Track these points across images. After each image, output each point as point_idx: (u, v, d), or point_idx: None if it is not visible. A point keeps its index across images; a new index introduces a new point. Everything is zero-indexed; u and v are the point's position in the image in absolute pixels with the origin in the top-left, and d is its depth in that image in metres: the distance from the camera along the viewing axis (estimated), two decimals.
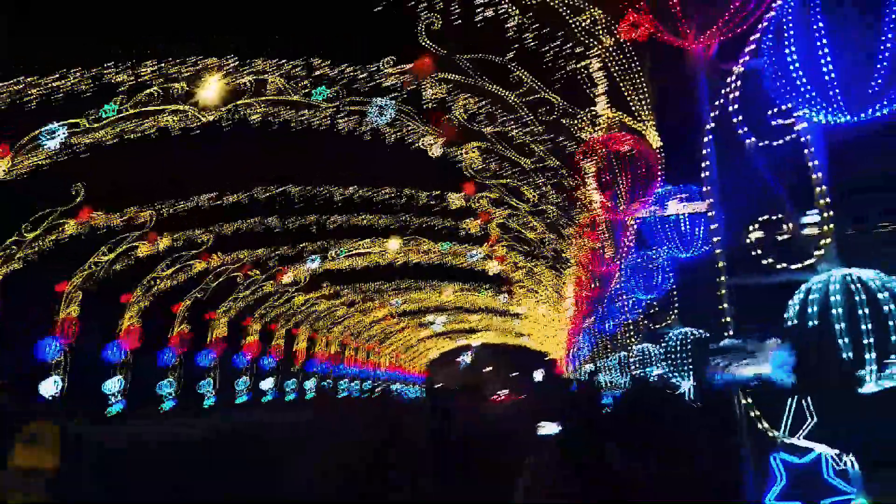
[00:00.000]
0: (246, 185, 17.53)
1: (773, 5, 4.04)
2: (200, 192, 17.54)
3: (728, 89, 4.60)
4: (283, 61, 11.56)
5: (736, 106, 4.55)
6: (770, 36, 4.02)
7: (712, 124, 4.72)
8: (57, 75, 11.72)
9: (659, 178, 7.17)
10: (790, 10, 3.82)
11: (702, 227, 6.26)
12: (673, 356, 8.26)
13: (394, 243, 23.20)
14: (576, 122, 9.32)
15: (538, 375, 45.49)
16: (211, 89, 12.41)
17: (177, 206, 18.02)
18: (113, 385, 20.81)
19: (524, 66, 8.95)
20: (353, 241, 23.90)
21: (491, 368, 68.98)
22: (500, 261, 23.72)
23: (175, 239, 19.99)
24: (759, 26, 4.26)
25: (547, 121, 9.99)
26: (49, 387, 19.00)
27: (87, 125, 13.30)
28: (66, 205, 16.82)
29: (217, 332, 26.83)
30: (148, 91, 12.53)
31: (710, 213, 5.51)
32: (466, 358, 72.31)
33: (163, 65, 11.58)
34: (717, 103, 4.71)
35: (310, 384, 36.41)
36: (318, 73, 11.60)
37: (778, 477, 3.74)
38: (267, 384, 31.20)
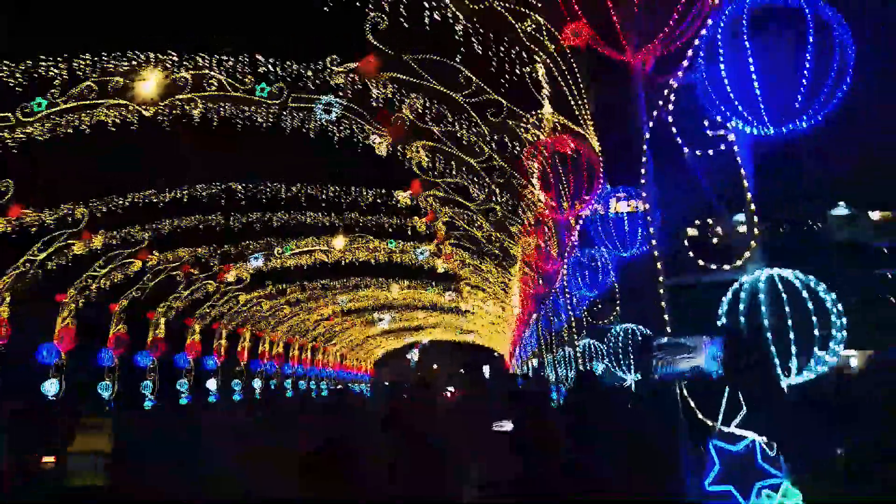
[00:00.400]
0: (186, 181, 17.11)
1: (706, 25, 4.29)
2: (138, 188, 17.03)
3: (664, 101, 4.84)
4: (225, 58, 11.35)
5: (671, 119, 4.79)
6: (702, 53, 4.28)
7: (647, 135, 4.96)
8: None
9: (601, 181, 7.40)
10: (721, 30, 4.08)
11: (641, 228, 6.51)
12: (616, 351, 8.54)
13: (339, 241, 23.07)
14: (522, 123, 9.50)
15: (486, 371, 46.03)
16: (149, 84, 12.11)
17: (112, 203, 17.45)
18: (50, 387, 20.03)
19: (471, 68, 9.07)
20: (299, 239, 23.64)
21: (438, 366, 69.29)
22: (447, 258, 23.86)
23: (111, 237, 19.37)
24: (694, 44, 4.50)
25: (494, 122, 10.14)
26: None
27: (18, 119, 12.75)
28: None
29: (157, 333, 26.11)
30: (83, 85, 12.13)
31: (647, 215, 5.74)
32: (414, 356, 72.40)
33: (98, 59, 11.20)
34: (654, 114, 4.95)
35: (257, 384, 35.84)
36: (261, 69, 11.44)
37: (715, 462, 3.98)
38: (211, 385, 30.55)
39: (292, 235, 22.86)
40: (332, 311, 39.51)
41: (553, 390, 11.92)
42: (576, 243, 9.58)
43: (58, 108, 12.52)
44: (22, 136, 13.03)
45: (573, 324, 11.07)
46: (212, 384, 31.00)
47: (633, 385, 8.06)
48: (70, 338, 20.76)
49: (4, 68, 11.20)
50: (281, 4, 9.17)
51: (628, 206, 7.91)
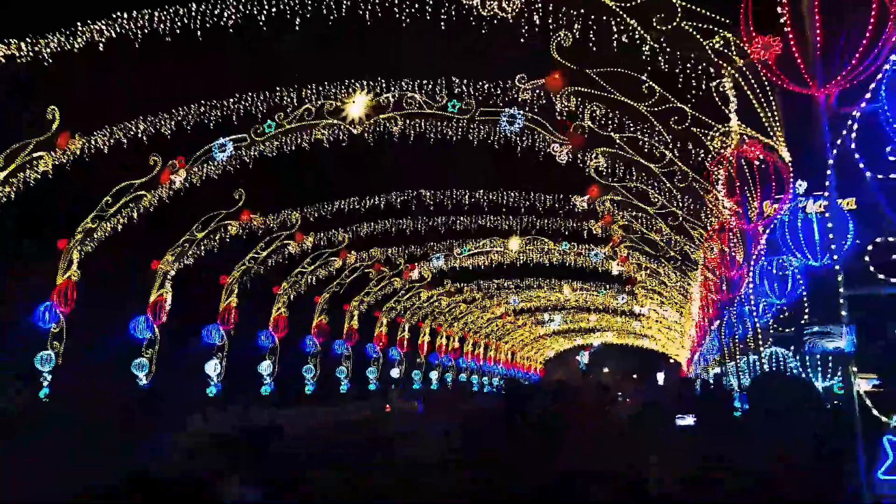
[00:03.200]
0: (384, 189, 18.98)
1: (889, 60, 4.45)
2: (344, 196, 19.23)
3: (847, 131, 5.04)
4: (425, 81, 12.68)
5: (854, 146, 4.99)
6: (884, 86, 4.45)
7: (831, 161, 5.17)
8: (234, 98, 13.55)
9: (790, 191, 7.47)
10: None
11: (830, 237, 6.55)
12: (804, 360, 8.45)
13: (515, 243, 23.95)
14: (707, 131, 9.67)
15: (661, 378, 44.57)
16: (358, 106, 13.81)
17: (322, 209, 19.83)
18: (264, 368, 23.14)
19: (658, 82, 9.43)
20: (477, 241, 24.92)
21: (609, 369, 68.05)
22: (623, 261, 23.82)
23: (318, 238, 21.94)
24: (876, 78, 4.67)
25: (677, 129, 10.38)
26: (212, 368, 21.53)
27: (252, 138, 15.14)
28: (230, 208, 19.04)
29: (351, 324, 28.86)
30: (304, 108, 14.15)
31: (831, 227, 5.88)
32: (584, 357, 71.71)
33: (321, 87, 13.06)
34: (838, 142, 5.16)
35: (434, 376, 38.02)
36: (456, 90, 12.61)
37: (890, 455, 4.18)
38: (394, 373, 33.01)
39: (472, 237, 24.20)
40: (504, 310, 40.72)
41: (736, 398, 11.82)
42: (763, 250, 9.53)
43: (283, 129, 14.72)
44: (255, 153, 15.46)
45: (758, 331, 10.91)
46: (395, 373, 33.50)
47: (821, 391, 7.97)
48: (283, 325, 23.80)
49: (248, 98, 13.44)
50: (475, 32, 10.15)
51: (819, 207, 7.83)
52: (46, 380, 16.70)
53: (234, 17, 11.03)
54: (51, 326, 16.85)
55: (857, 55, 5.18)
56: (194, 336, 21.64)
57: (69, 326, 17.33)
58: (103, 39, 11.61)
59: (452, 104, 13.48)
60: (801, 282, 8.77)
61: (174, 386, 19.92)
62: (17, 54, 11.77)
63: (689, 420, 7.22)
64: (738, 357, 13.24)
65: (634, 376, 55.31)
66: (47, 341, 16.91)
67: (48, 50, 11.73)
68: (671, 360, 55.18)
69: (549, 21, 9.55)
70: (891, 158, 4.78)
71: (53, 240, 17.23)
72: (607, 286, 32.18)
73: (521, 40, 9.09)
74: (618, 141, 12.88)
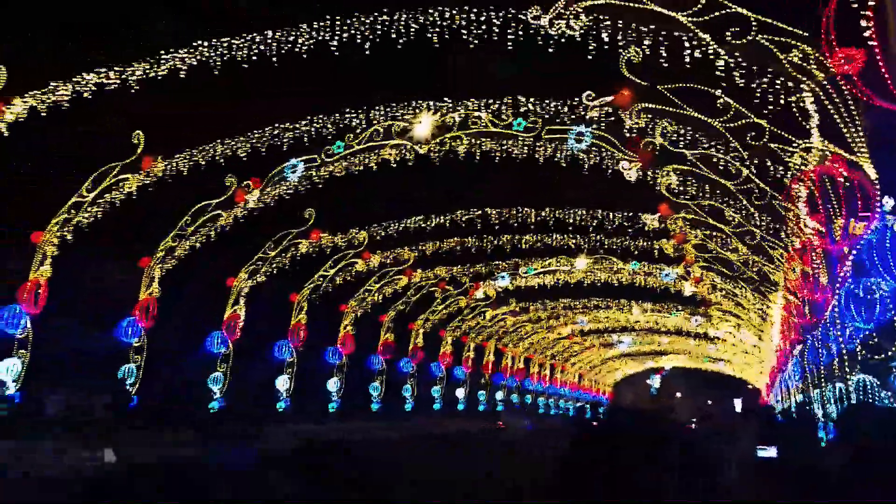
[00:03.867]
0: (449, 208, 19.06)
1: None
2: (409, 215, 19.43)
3: None
4: (491, 100, 12.71)
5: None
6: None
7: None
8: (305, 120, 13.97)
9: (877, 209, 7.03)
10: None
11: None
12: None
13: (581, 262, 23.54)
14: (786, 147, 9.26)
15: (738, 404, 42.65)
16: (424, 126, 13.96)
17: (388, 228, 20.10)
18: (332, 385, 23.49)
19: (733, 98, 9.12)
20: (543, 259, 24.64)
21: (681, 394, 65.65)
22: (696, 282, 23.03)
23: (385, 256, 22.23)
24: None
25: (754, 145, 9.98)
26: (282, 383, 22.02)
27: (322, 160, 15.54)
28: (300, 227, 19.55)
29: (416, 342, 28.99)
30: (372, 129, 14.43)
31: None
32: (655, 381, 69.51)
33: (389, 108, 13.30)
34: None
35: (499, 396, 37.64)
36: (522, 108, 12.58)
37: None
38: (459, 394, 32.88)
39: (539, 256, 23.94)
40: (571, 330, 39.99)
41: (821, 427, 11.15)
42: (849, 272, 8.99)
43: (352, 150, 15.04)
44: (325, 173, 15.85)
45: (845, 358, 10.27)
46: (460, 393, 33.34)
47: None
48: (350, 342, 24.14)
49: (320, 120, 13.82)
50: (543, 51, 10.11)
51: None
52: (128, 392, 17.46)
53: (307, 43, 11.39)
54: (132, 341, 17.64)
55: None
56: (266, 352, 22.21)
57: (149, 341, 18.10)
58: (185, 67, 12.21)
59: (518, 122, 13.45)
60: (890, 306, 8.21)
61: (245, 400, 20.52)
62: (106, 81, 12.52)
63: (770, 451, 6.82)
64: (822, 384, 12.51)
65: (709, 402, 53.13)
66: (128, 355, 17.70)
67: (134, 77, 12.42)
68: (749, 386, 52.71)
69: (618, 37, 9.41)
70: None
71: (136, 258, 18.09)
72: (680, 307, 31.15)
73: (590, 57, 8.95)
74: (690, 158, 12.52)
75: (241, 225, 17.47)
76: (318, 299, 22.77)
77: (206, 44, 12.01)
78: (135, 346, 17.77)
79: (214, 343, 19.67)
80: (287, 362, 22.17)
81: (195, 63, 12.23)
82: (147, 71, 12.14)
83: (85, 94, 12.34)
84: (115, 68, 12.21)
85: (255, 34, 11.74)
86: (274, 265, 20.61)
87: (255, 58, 11.89)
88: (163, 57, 12.12)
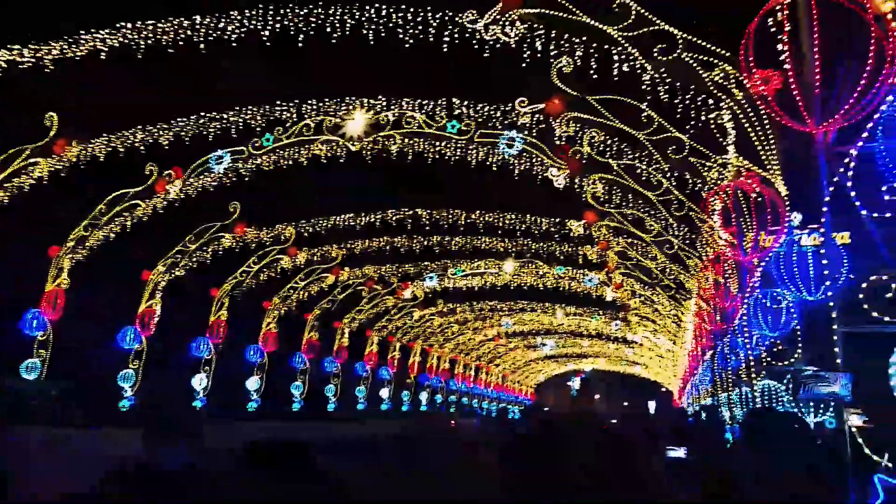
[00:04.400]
0: (380, 207, 18.96)
1: (885, 101, 4.49)
2: (339, 212, 19.19)
3: (844, 168, 5.07)
4: (426, 101, 12.72)
5: (850, 184, 5.01)
6: (881, 126, 4.49)
7: (827, 198, 5.20)
8: (233, 111, 13.56)
9: (786, 224, 7.48)
10: None
11: (825, 271, 6.54)
12: (796, 394, 8.39)
13: (509, 265, 23.92)
14: (705, 162, 9.71)
15: (652, 406, 44.39)
16: (357, 123, 13.82)
17: (317, 224, 19.79)
18: (252, 384, 22.89)
19: (657, 111, 9.49)
20: (472, 262, 24.88)
21: (600, 396, 67.73)
22: (617, 287, 23.80)
23: (311, 254, 21.85)
24: (874, 118, 4.71)
25: (675, 158, 10.41)
26: (197, 382, 21.27)
27: (250, 152, 15.12)
28: (225, 220, 18.96)
29: (341, 341, 28.67)
30: (302, 124, 14.16)
31: (826, 263, 5.88)
32: (575, 383, 71.39)
33: (322, 103, 13.09)
34: (835, 179, 5.18)
35: (423, 397, 37.70)
36: (457, 111, 12.65)
37: (879, 494, 4.12)
38: (384, 393, 32.73)
39: (467, 258, 24.15)
40: (497, 332, 40.56)
41: (727, 430, 11.71)
42: (757, 283, 9.52)
43: (281, 143, 14.71)
44: (252, 166, 15.43)
45: (751, 363, 10.86)
46: (384, 393, 33.20)
47: (812, 426, 7.92)
48: (273, 341, 23.60)
49: (250, 111, 13.45)
50: (475, 57, 10.21)
51: (814, 240, 7.83)
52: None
53: (236, 31, 11.06)
54: (38, 334, 16.63)
55: (855, 95, 5.21)
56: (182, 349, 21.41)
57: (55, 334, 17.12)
58: (105, 48, 11.62)
59: (452, 125, 13.52)
60: (794, 315, 8.75)
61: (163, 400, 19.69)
62: (19, 60, 11.77)
63: (680, 452, 7.15)
64: (730, 389, 13.17)
65: (625, 404, 55.04)
66: (33, 351, 16.67)
67: (50, 57, 11.73)
68: (663, 389, 54.97)
69: (551, 48, 9.61)
70: (886, 198, 4.80)
71: (44, 246, 17.09)
72: (601, 312, 32.14)
73: (523, 65, 9.11)
74: (616, 168, 12.92)
75: (161, 216, 16.78)
76: (240, 296, 22.16)
77: (129, 25, 11.48)
78: (40, 340, 16.77)
79: (127, 338, 18.79)
80: (204, 360, 21.43)
81: (116, 45, 11.67)
82: (64, 51, 11.48)
83: None
84: (30, 46, 11.48)
85: (181, 18, 11.31)
86: (195, 259, 19.90)
87: (181, 43, 11.45)
88: (82, 37, 11.49)
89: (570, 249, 21.17)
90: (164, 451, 2.91)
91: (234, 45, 11.22)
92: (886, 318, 5.20)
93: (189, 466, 2.88)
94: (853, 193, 5.05)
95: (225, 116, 13.73)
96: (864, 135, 5.02)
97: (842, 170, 5.22)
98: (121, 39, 11.52)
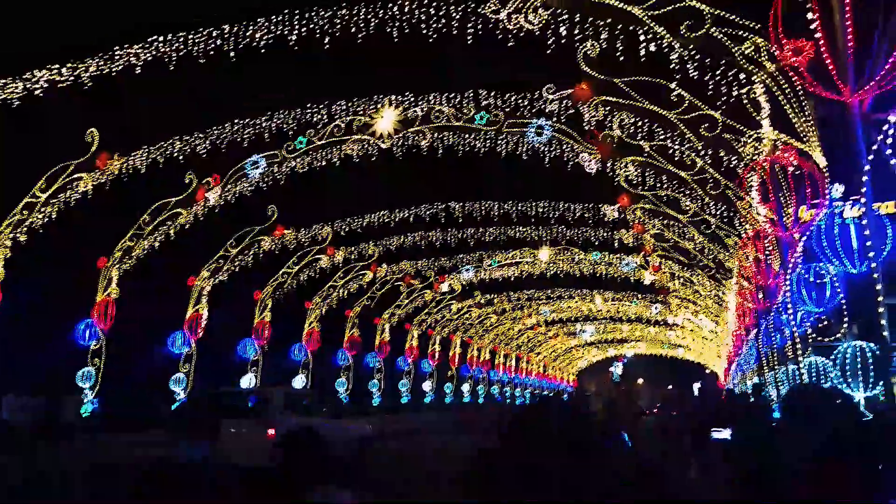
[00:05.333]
0: (413, 202, 19.10)
1: None
2: (373, 210, 19.41)
3: (883, 136, 4.95)
4: (452, 94, 12.78)
5: (890, 151, 4.90)
6: None
7: (867, 167, 5.07)
8: (265, 116, 13.83)
9: (826, 196, 7.34)
10: None
11: (868, 245, 6.40)
12: (844, 369, 8.24)
13: (544, 253, 23.84)
14: (739, 138, 9.56)
15: (696, 388, 43.82)
16: (387, 120, 13.96)
17: (352, 223, 20.04)
18: (298, 382, 23.33)
19: (687, 90, 9.37)
20: (507, 252, 24.88)
21: (643, 380, 67.04)
22: (655, 270, 23.54)
23: (349, 252, 22.14)
24: None
25: (708, 136, 10.26)
26: (246, 381, 21.79)
27: (284, 156, 15.39)
28: (264, 224, 19.35)
29: (383, 337, 28.98)
30: (333, 125, 14.35)
31: (890, 213, 5.76)
32: (617, 368, 70.78)
33: (351, 103, 13.25)
34: (873, 147, 5.07)
35: (465, 388, 37.87)
36: (483, 102, 12.68)
37: None
38: (427, 386, 32.99)
39: (503, 248, 24.16)
40: (535, 321, 40.48)
41: (776, 409, 11.54)
42: (800, 258, 9.35)
43: (315, 146, 14.93)
44: (287, 169, 15.71)
45: (797, 341, 10.68)
46: (427, 386, 33.47)
47: (861, 403, 7.76)
48: (315, 339, 24.01)
49: (280, 116, 13.69)
50: (502, 43, 10.20)
51: (856, 212, 7.65)
52: (88, 396, 17.05)
53: (265, 38, 11.27)
54: (90, 344, 17.22)
55: (891, 62, 5.08)
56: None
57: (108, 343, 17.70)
58: (140, 62, 11.96)
59: (480, 116, 13.55)
60: (839, 290, 8.58)
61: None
62: (59, 78, 12.19)
63: (725, 433, 7.09)
64: (776, 367, 12.96)
65: (670, 387, 54.37)
66: (87, 358, 17.27)
67: (87, 73, 12.12)
68: (707, 371, 54.13)
69: (576, 32, 9.56)
70: None
71: (93, 258, 17.66)
72: (640, 296, 31.81)
73: (548, 52, 9.09)
74: (648, 150, 12.79)
75: (202, 222, 17.21)
76: (283, 297, 22.58)
77: (161, 38, 11.79)
78: (93, 349, 17.37)
79: (176, 343, 19.35)
80: (251, 361, 21.93)
81: (150, 59, 12.00)
82: (101, 67, 11.86)
83: (36, 92, 11.98)
84: (68, 64, 11.89)
85: (211, 28, 11.57)
86: (237, 263, 20.35)
87: (211, 52, 11.72)
88: (116, 53, 11.86)
89: (605, 235, 21.01)
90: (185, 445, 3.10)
91: (263, 51, 11.45)
92: None
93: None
94: (894, 161, 4.94)
95: (258, 122, 14.00)
96: None
97: (880, 137, 5.11)
98: (153, 52, 11.85)
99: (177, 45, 11.77)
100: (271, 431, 10.93)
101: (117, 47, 12.02)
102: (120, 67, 12.16)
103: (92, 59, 12.10)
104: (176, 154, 14.55)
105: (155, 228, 16.97)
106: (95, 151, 14.86)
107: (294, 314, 24.53)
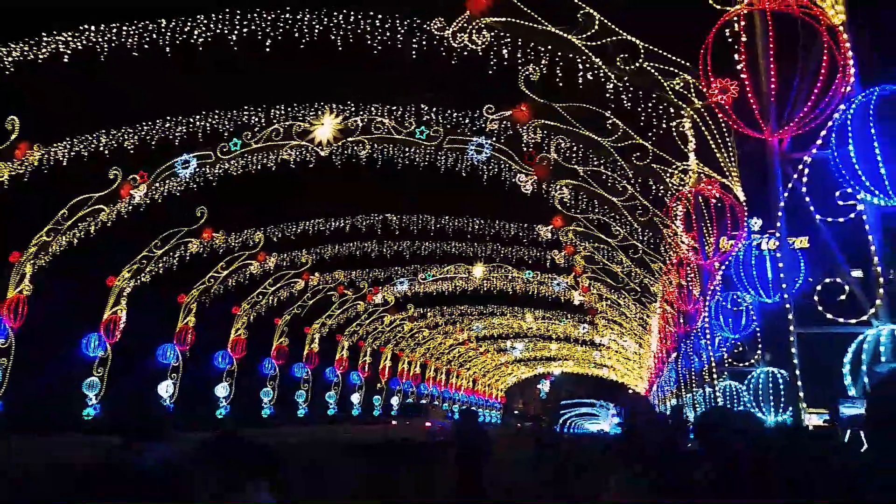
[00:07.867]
0: (350, 213, 18.92)
1: (838, 110, 4.71)
2: (308, 217, 19.11)
3: (798, 175, 5.29)
4: (395, 107, 12.78)
5: (805, 189, 5.23)
6: (834, 134, 4.72)
7: (782, 203, 5.41)
8: (200, 115, 13.44)
9: (745, 229, 7.72)
10: (851, 116, 4.51)
11: (781, 277, 6.78)
12: (757, 394, 8.64)
13: (478, 270, 24.06)
14: (667, 168, 9.94)
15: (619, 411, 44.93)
16: (326, 128, 13.81)
17: (286, 230, 19.66)
18: (221, 391, 22.60)
19: (621, 119, 9.70)
20: (442, 266, 24.96)
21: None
22: (584, 291, 24.11)
23: (281, 259, 21.69)
24: (828, 125, 4.94)
25: (639, 165, 10.64)
26: (164, 389, 20.95)
27: (217, 156, 14.98)
28: (192, 226, 18.72)
29: (311, 347, 28.47)
30: (272, 129, 14.10)
31: (804, 247, 6.11)
32: (545, 386, 71.89)
33: (290, 108, 13.06)
34: (790, 185, 5.40)
35: (394, 401, 37.58)
36: (425, 117, 12.73)
37: None
38: (355, 399, 32.56)
39: (438, 263, 24.22)
40: (467, 336, 40.68)
41: (690, 430, 11.94)
42: (719, 286, 9.78)
43: (250, 148, 14.61)
44: (220, 171, 15.29)
45: (714, 365, 11.13)
46: (355, 398, 33.04)
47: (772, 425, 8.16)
48: (241, 346, 23.35)
49: (216, 116, 13.34)
50: (445, 64, 10.30)
51: (771, 244, 8.09)
52: None
53: (203, 35, 10.99)
54: None
55: (809, 103, 5.44)
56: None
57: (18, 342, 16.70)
58: (69, 51, 11.45)
59: (420, 130, 13.60)
60: (754, 318, 9.02)
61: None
62: None
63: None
64: (694, 390, 13.46)
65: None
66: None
67: (10, 59, 11.50)
68: (630, 391, 55.63)
69: (518, 55, 9.76)
70: (840, 203, 5.02)
71: (5, 253, 16.68)
72: (569, 315, 32.48)
73: (490, 72, 9.25)
74: (582, 174, 13.13)
75: (126, 221, 16.51)
76: (209, 302, 21.88)
77: (93, 28, 11.33)
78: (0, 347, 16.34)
79: (91, 345, 18.42)
80: (171, 367, 21.12)
81: (80, 48, 11.50)
82: (26, 53, 11.28)
83: None
84: None
85: (147, 21, 11.20)
86: (160, 265, 19.60)
87: (146, 46, 11.33)
88: (44, 39, 11.31)
89: (538, 254, 21.38)
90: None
91: (201, 49, 11.15)
92: (840, 320, 5.43)
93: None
94: (807, 199, 5.28)
95: (191, 120, 13.60)
96: (818, 142, 5.25)
97: (796, 176, 5.45)
98: (84, 42, 11.36)
99: (109, 35, 11.33)
100: None
101: (44, 33, 11.47)
102: (46, 55, 11.60)
103: (15, 45, 11.51)
104: (101, 148, 13.94)
105: (74, 224, 16.17)
106: (14, 140, 14.09)
107: (220, 320, 23.82)
